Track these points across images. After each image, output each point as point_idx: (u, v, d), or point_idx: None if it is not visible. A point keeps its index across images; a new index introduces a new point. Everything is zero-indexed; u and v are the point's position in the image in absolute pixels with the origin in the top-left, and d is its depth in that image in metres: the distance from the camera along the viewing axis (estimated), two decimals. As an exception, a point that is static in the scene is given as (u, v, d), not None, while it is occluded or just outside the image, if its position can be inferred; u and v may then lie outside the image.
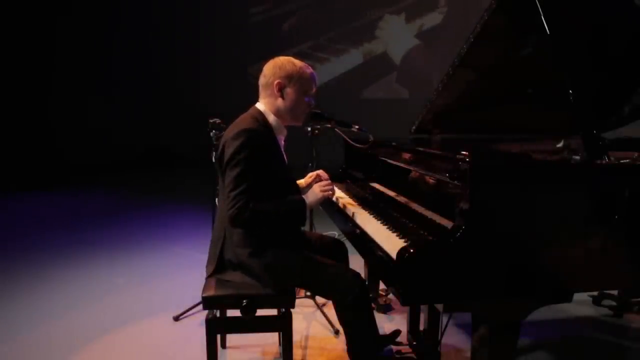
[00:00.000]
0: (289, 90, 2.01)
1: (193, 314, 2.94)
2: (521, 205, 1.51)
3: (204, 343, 1.96)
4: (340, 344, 2.58)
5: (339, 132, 2.37)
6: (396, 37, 9.08)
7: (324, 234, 2.57)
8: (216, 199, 2.63)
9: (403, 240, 1.72)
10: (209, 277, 2.04)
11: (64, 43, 8.74)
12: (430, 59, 8.65)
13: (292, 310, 1.98)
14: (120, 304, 3.17)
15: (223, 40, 9.77)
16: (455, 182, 1.55)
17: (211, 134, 2.77)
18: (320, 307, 2.93)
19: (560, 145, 1.93)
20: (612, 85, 2.26)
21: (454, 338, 2.59)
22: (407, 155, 2.22)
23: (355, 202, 2.40)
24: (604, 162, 1.65)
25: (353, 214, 2.22)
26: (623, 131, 2.40)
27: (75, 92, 8.82)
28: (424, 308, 2.38)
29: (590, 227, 1.56)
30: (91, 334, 2.75)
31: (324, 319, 2.82)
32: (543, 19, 1.77)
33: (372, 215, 2.12)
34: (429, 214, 1.83)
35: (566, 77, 1.74)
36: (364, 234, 2.00)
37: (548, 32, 1.76)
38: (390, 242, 1.72)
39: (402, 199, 2.14)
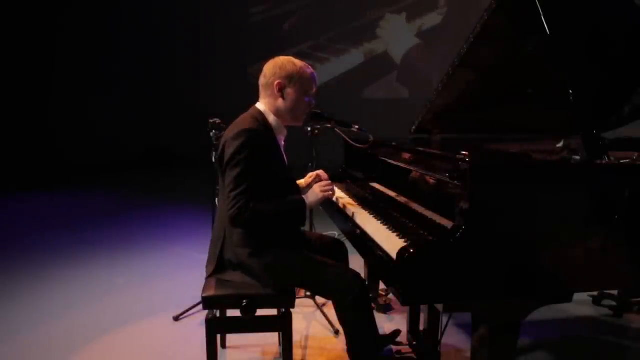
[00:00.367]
0: (289, 91, 2.01)
1: (193, 314, 2.94)
2: (521, 205, 1.51)
3: (204, 343, 1.96)
4: (340, 344, 2.58)
5: (339, 132, 2.37)
6: (396, 37, 9.08)
7: (324, 234, 2.57)
8: (216, 199, 2.63)
9: (403, 240, 1.72)
10: (209, 277, 2.04)
11: (64, 43, 8.74)
12: (430, 59, 8.65)
13: (292, 310, 1.98)
14: (120, 304, 3.18)
15: (223, 40, 9.78)
16: (455, 182, 1.55)
17: (211, 134, 2.77)
18: (320, 307, 2.93)
19: (560, 145, 1.93)
20: (612, 85, 2.26)
21: (454, 338, 2.59)
22: (407, 155, 2.22)
23: (355, 202, 2.40)
24: (604, 162, 1.65)
25: (353, 214, 2.22)
26: (623, 131, 2.40)
27: (76, 92, 8.83)
28: (424, 308, 2.38)
29: (590, 227, 1.56)
30: (91, 334, 2.75)
31: (324, 319, 2.82)
32: (543, 19, 1.77)
33: (372, 215, 2.12)
34: (429, 214, 1.83)
35: (566, 77, 1.74)
36: (364, 234, 2.00)
37: (548, 32, 1.76)
38: (390, 242, 1.72)
39: (402, 199, 2.14)
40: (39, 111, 8.41)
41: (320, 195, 2.04)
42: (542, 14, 1.77)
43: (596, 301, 3.04)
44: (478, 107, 2.52)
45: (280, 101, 2.02)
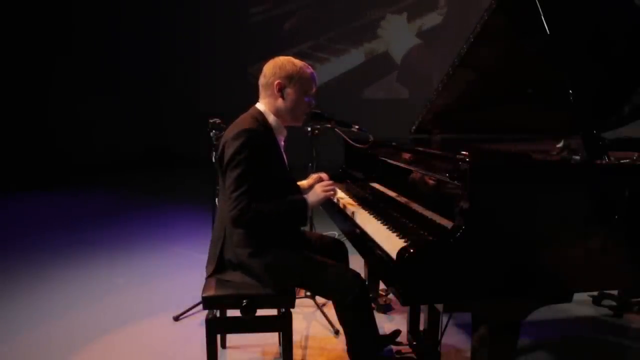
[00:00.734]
0: (289, 91, 2.01)
1: (193, 314, 2.94)
2: (521, 205, 1.51)
3: (204, 343, 1.96)
4: (340, 344, 2.58)
5: (339, 132, 2.37)
6: (396, 37, 9.08)
7: (324, 234, 2.57)
8: (216, 199, 2.63)
9: (403, 240, 1.72)
10: (209, 277, 2.04)
11: (64, 43, 8.74)
12: (430, 59, 8.66)
13: (292, 310, 1.98)
14: (120, 304, 3.18)
15: (223, 40, 9.78)
16: (455, 182, 1.55)
17: (211, 134, 2.77)
18: (320, 307, 2.93)
19: (560, 145, 1.93)
20: (612, 85, 2.26)
21: (454, 338, 2.59)
22: (407, 155, 2.22)
23: (355, 202, 2.40)
24: (604, 162, 1.65)
25: (353, 213, 2.22)
26: (623, 131, 2.40)
27: (76, 92, 8.82)
28: (424, 308, 2.38)
29: (590, 227, 1.56)
30: (91, 334, 2.75)
31: (324, 319, 2.82)
32: (543, 19, 1.77)
33: (372, 215, 2.12)
34: (429, 214, 1.83)
35: (566, 77, 1.74)
36: (364, 234, 2.00)
37: (548, 32, 1.76)
38: (390, 242, 1.72)
39: (402, 199, 2.14)
40: (39, 111, 8.41)
41: (322, 195, 2.04)
42: (542, 14, 1.77)
43: (596, 301, 3.04)
44: (478, 107, 2.52)
45: (280, 101, 2.02)
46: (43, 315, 2.99)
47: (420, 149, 2.20)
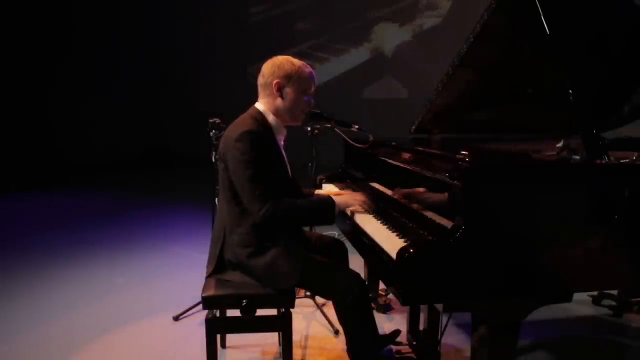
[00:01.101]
0: (288, 90, 2.00)
1: (193, 314, 2.94)
2: (521, 205, 1.51)
3: (204, 343, 1.96)
4: (340, 344, 2.58)
5: (339, 132, 2.37)
6: (396, 37, 9.08)
7: (324, 234, 2.57)
8: (216, 199, 2.63)
9: (403, 240, 1.72)
10: (208, 277, 2.04)
11: (64, 43, 8.74)
12: (431, 59, 8.64)
13: (292, 310, 1.98)
14: (120, 304, 3.18)
15: (223, 40, 9.78)
16: (455, 182, 1.55)
17: (211, 134, 2.77)
18: (320, 307, 2.93)
19: (560, 145, 1.93)
20: (612, 85, 2.27)
21: (454, 338, 2.59)
22: (407, 155, 2.23)
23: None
24: (604, 162, 1.65)
25: (353, 214, 2.22)
26: (623, 131, 2.40)
27: (76, 92, 8.82)
28: (424, 308, 2.38)
29: (590, 227, 1.56)
30: (91, 334, 2.75)
31: (324, 319, 2.82)
32: (543, 19, 1.77)
33: (372, 215, 2.11)
34: (429, 214, 1.83)
35: (566, 77, 1.74)
36: (364, 234, 2.00)
37: (548, 32, 1.76)
38: (390, 242, 1.72)
39: (402, 199, 2.14)
40: (39, 111, 8.40)
41: (350, 201, 2.10)
42: (542, 14, 1.77)
43: (596, 301, 3.04)
44: (478, 107, 2.53)
45: (279, 101, 2.02)
46: (43, 315, 2.99)
47: (420, 149, 2.20)
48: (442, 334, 2.09)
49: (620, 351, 2.60)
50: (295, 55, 2.09)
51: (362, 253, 2.07)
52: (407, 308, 2.55)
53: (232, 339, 2.59)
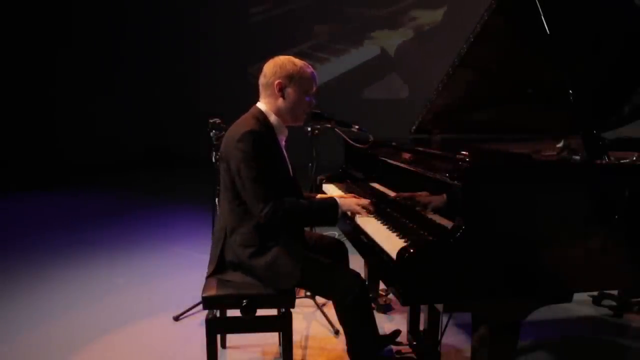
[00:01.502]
0: (289, 90, 2.00)
1: (193, 314, 2.94)
2: (521, 205, 1.51)
3: (204, 343, 1.96)
4: (340, 344, 2.58)
5: (339, 132, 2.37)
6: (396, 37, 9.08)
7: (324, 234, 2.57)
8: (216, 199, 2.63)
9: (403, 240, 1.72)
10: (209, 277, 2.04)
11: (65, 43, 8.74)
12: (431, 59, 8.65)
13: (292, 310, 1.98)
14: (120, 304, 3.18)
15: (223, 40, 9.78)
16: (455, 182, 1.55)
17: (211, 134, 2.77)
18: (320, 307, 2.93)
19: (560, 145, 1.93)
20: (612, 85, 2.27)
21: (454, 338, 2.59)
22: (407, 155, 2.23)
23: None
24: (604, 162, 1.65)
25: (353, 214, 2.21)
26: (623, 131, 2.40)
27: (76, 92, 8.83)
28: (424, 308, 2.38)
29: (590, 227, 1.56)
30: (91, 334, 2.75)
31: (324, 319, 2.82)
32: (543, 19, 1.77)
33: (372, 216, 2.11)
34: (429, 214, 1.83)
35: (566, 77, 1.74)
36: (364, 234, 2.00)
37: (548, 32, 1.76)
38: (390, 242, 1.72)
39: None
40: (40, 111, 8.41)
41: (353, 205, 2.04)
42: (542, 14, 1.78)
43: (596, 301, 3.04)
44: (478, 107, 2.53)
45: (280, 101, 2.02)
46: (43, 315, 2.99)
47: (420, 149, 2.20)
48: (442, 334, 2.09)
49: (620, 351, 2.60)
50: (295, 55, 2.09)
51: (362, 253, 2.07)
52: (407, 308, 2.55)
53: (232, 339, 2.59)
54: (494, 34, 2.11)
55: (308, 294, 3.05)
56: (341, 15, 9.33)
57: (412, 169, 2.03)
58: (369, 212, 2.06)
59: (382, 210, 2.14)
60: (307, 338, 2.68)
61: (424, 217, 1.84)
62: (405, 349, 2.41)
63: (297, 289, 2.14)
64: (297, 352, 2.43)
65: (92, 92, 9.05)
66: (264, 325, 2.06)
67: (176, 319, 2.90)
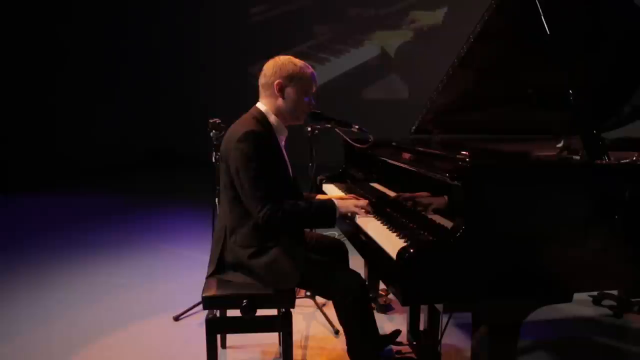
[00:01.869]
0: (289, 90, 2.00)
1: (193, 314, 2.94)
2: (521, 205, 1.51)
3: (204, 343, 1.96)
4: (340, 344, 2.58)
5: (339, 132, 2.37)
6: (396, 37, 9.08)
7: (324, 234, 2.57)
8: (216, 200, 2.63)
9: (403, 240, 1.72)
10: (209, 277, 2.04)
11: (66, 44, 8.74)
12: (430, 59, 8.65)
13: (292, 310, 1.98)
14: (120, 304, 3.18)
15: (223, 41, 9.78)
16: (455, 182, 1.55)
17: (211, 134, 2.77)
18: (320, 307, 2.93)
19: (560, 145, 1.93)
20: (612, 86, 2.27)
21: (454, 338, 2.59)
22: (407, 155, 2.22)
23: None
24: (604, 162, 1.65)
25: (353, 213, 2.21)
26: (623, 131, 2.40)
27: (76, 93, 8.82)
28: (424, 308, 2.38)
29: (590, 227, 1.56)
30: (91, 334, 2.75)
31: (324, 319, 2.82)
32: (543, 19, 1.77)
33: (372, 215, 2.11)
34: (429, 214, 1.83)
35: (566, 77, 1.74)
36: (364, 234, 2.00)
37: (548, 32, 1.76)
38: (390, 242, 1.72)
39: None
40: (41, 112, 8.40)
41: (352, 207, 2.04)
42: (542, 14, 1.78)
43: (596, 301, 3.04)
44: (478, 107, 2.53)
45: (280, 101, 2.02)
46: (43, 315, 2.99)
47: (420, 149, 2.20)
48: (442, 334, 2.09)
49: (620, 351, 2.60)
50: (295, 55, 2.09)
51: (362, 253, 2.07)
52: (407, 308, 2.55)
53: (232, 339, 2.59)
54: (494, 34, 2.11)
55: (308, 294, 3.05)
56: (341, 15, 9.33)
57: (412, 169, 2.03)
58: (367, 213, 2.07)
59: (382, 210, 2.14)
60: (307, 338, 2.68)
61: (424, 217, 1.84)
62: (405, 349, 2.41)
63: (297, 289, 2.14)
64: (297, 352, 2.43)
65: (93, 93, 9.05)
66: (264, 325, 2.06)
67: (176, 319, 2.90)
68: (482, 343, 1.59)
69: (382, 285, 3.05)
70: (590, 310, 3.00)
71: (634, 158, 1.74)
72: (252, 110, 2.05)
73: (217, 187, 2.19)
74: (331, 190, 2.82)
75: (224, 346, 2.55)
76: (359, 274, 1.97)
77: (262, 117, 2.01)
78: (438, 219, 1.73)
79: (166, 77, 9.92)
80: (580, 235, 1.55)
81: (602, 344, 2.66)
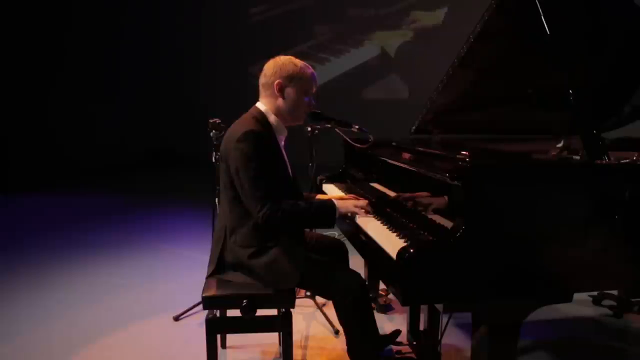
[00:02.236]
0: (289, 90, 2.01)
1: (193, 314, 2.95)
2: (521, 205, 1.51)
3: (204, 343, 1.95)
4: (340, 344, 2.58)
5: (339, 132, 2.37)
6: (396, 37, 9.08)
7: (324, 234, 2.57)
8: (216, 199, 2.63)
9: (403, 240, 1.72)
10: (209, 277, 2.04)
11: (66, 44, 8.73)
12: (430, 59, 8.65)
13: (292, 310, 1.98)
14: (120, 304, 3.18)
15: (223, 41, 9.78)
16: (455, 182, 1.55)
17: (211, 134, 2.77)
18: (320, 307, 2.93)
19: (560, 145, 1.93)
20: (612, 86, 2.27)
21: (454, 338, 2.59)
22: (407, 155, 2.22)
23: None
24: (604, 162, 1.65)
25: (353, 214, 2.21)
26: (623, 131, 2.40)
27: (77, 93, 8.82)
28: (424, 308, 2.38)
29: (590, 227, 1.56)
30: (91, 334, 2.75)
31: (324, 319, 2.82)
32: (543, 19, 1.77)
33: (372, 215, 2.11)
34: (429, 214, 1.83)
35: (566, 77, 1.74)
36: (364, 234, 2.00)
37: (548, 32, 1.76)
38: (390, 242, 1.72)
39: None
40: (41, 112, 8.40)
41: (351, 207, 2.04)
42: (542, 14, 1.78)
43: (596, 301, 3.04)
44: (478, 107, 2.53)
45: (280, 101, 2.02)
46: (43, 315, 2.99)
47: (420, 149, 2.20)
48: (442, 334, 2.09)
49: (620, 351, 2.60)
50: (295, 55, 2.09)
51: (362, 253, 2.07)
52: (407, 308, 2.55)
53: (232, 339, 2.59)
54: (494, 34, 2.11)
55: (308, 294, 3.05)
56: (341, 16, 9.33)
57: (412, 169, 2.03)
58: (367, 213, 2.07)
59: (382, 210, 2.14)
60: (307, 338, 2.68)
61: (424, 217, 1.84)
62: (405, 349, 2.41)
63: (297, 289, 2.14)
64: (297, 352, 2.43)
65: (93, 93, 9.04)
66: (264, 325, 2.06)
67: (176, 319, 2.90)
68: (482, 343, 1.59)
69: (382, 285, 3.05)
70: (590, 310, 3.00)
71: (634, 158, 1.74)
72: (251, 110, 2.05)
73: (217, 187, 2.19)
74: (331, 190, 2.82)
75: (224, 346, 2.56)
76: (359, 274, 1.97)
77: (261, 117, 2.01)
78: (438, 219, 1.73)
79: (166, 77, 9.92)
80: (580, 235, 1.55)
81: (602, 344, 2.66)
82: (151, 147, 10.07)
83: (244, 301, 1.90)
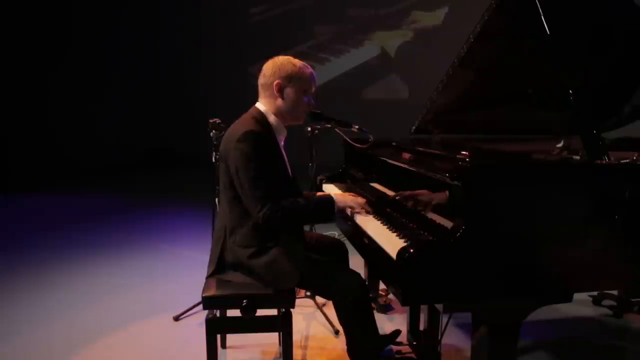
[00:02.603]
0: (288, 91, 2.01)
1: (193, 314, 2.95)
2: (521, 205, 1.51)
3: (204, 343, 1.96)
4: (340, 344, 2.58)
5: (339, 132, 2.37)
6: (396, 37, 9.08)
7: (324, 234, 2.57)
8: (216, 199, 2.63)
9: (403, 240, 1.72)
10: (209, 277, 2.04)
11: (66, 44, 8.73)
12: (430, 59, 8.65)
13: (292, 310, 1.98)
14: (120, 304, 3.18)
15: (223, 41, 9.78)
16: (455, 182, 1.55)
17: (211, 134, 2.77)
18: (320, 307, 2.93)
19: (560, 145, 1.93)
20: (612, 86, 2.27)
21: (454, 338, 2.59)
22: (407, 155, 2.23)
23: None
24: (604, 162, 1.65)
25: (353, 213, 2.21)
26: (623, 131, 2.40)
27: (76, 92, 8.82)
28: (424, 308, 2.38)
29: (590, 227, 1.56)
30: (91, 334, 2.75)
31: (324, 319, 2.82)
32: (543, 19, 1.77)
33: (372, 215, 2.11)
34: (429, 214, 1.83)
35: (566, 77, 1.74)
36: (364, 234, 2.00)
37: (548, 32, 1.76)
38: (390, 242, 1.72)
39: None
40: (41, 112, 8.40)
41: (349, 201, 2.05)
42: (542, 14, 1.78)
43: (596, 301, 3.04)
44: (478, 107, 2.53)
45: (279, 101, 2.02)
46: (43, 315, 2.99)
47: (420, 149, 2.20)
48: (442, 334, 2.09)
49: (620, 351, 2.60)
50: (295, 55, 2.09)
51: (362, 253, 2.07)
52: (407, 308, 2.55)
53: (232, 339, 2.59)
54: (494, 34, 2.11)
55: (308, 294, 3.05)
56: (341, 16, 9.33)
57: (412, 169, 2.03)
58: (366, 211, 2.07)
59: (382, 210, 2.14)
60: (307, 338, 2.68)
61: (424, 217, 1.84)
62: (405, 349, 2.41)
63: (297, 289, 2.14)
64: (297, 352, 2.43)
65: (93, 93, 9.04)
66: (264, 325, 2.06)
67: (176, 319, 2.90)
68: (482, 343, 1.59)
69: (382, 285, 3.05)
70: (590, 310, 3.00)
71: (634, 158, 1.74)
72: (251, 110, 2.05)
73: (217, 187, 2.19)
74: (331, 190, 2.82)
75: (224, 346, 2.56)
76: (359, 274, 1.97)
77: (261, 117, 2.01)
78: (438, 218, 1.73)
79: (166, 77, 9.92)
80: (580, 235, 1.55)
81: (602, 344, 2.66)
82: (151, 147, 10.07)
83: (244, 301, 1.90)
